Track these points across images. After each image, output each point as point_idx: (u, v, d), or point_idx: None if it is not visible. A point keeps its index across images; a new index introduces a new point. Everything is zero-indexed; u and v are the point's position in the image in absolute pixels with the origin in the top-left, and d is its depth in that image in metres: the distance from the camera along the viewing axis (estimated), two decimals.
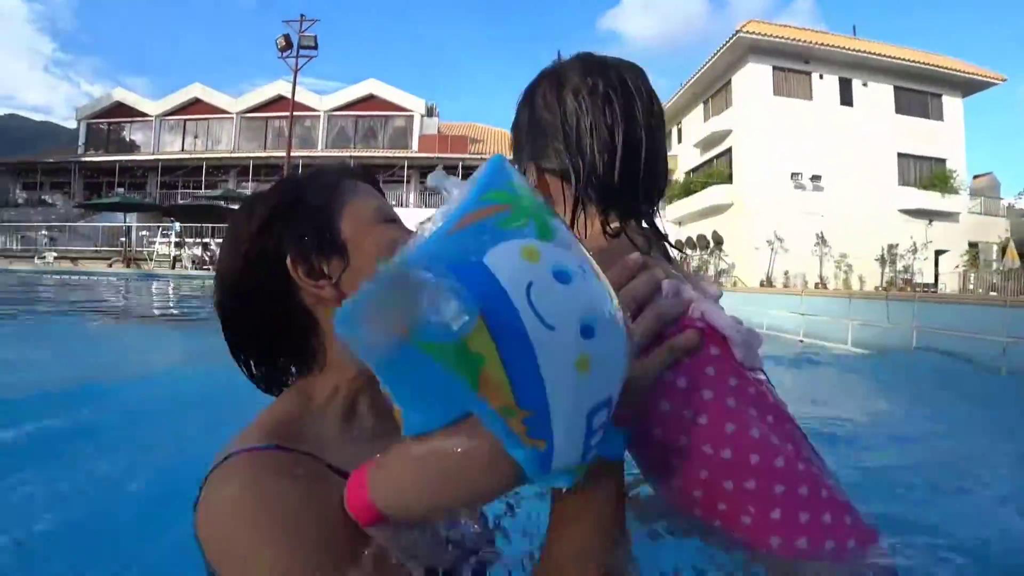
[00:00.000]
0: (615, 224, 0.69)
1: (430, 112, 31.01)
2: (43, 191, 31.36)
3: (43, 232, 24.40)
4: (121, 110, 31.99)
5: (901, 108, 20.62)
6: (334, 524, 0.51)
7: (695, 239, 21.30)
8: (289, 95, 30.10)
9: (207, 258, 21.18)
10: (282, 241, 0.67)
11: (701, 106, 23.56)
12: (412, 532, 0.52)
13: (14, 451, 1.21)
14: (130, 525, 0.93)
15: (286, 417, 0.66)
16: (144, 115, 31.68)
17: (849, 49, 19.89)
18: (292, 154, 28.74)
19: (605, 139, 0.68)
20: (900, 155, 20.38)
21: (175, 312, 6.49)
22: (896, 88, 20.58)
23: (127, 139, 32.27)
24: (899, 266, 18.11)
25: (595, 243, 0.68)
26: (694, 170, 24.23)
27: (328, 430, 0.67)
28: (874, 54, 19.92)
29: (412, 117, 30.25)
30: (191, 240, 22.50)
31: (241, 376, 0.73)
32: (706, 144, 22.74)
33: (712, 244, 20.31)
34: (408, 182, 28.88)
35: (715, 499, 0.60)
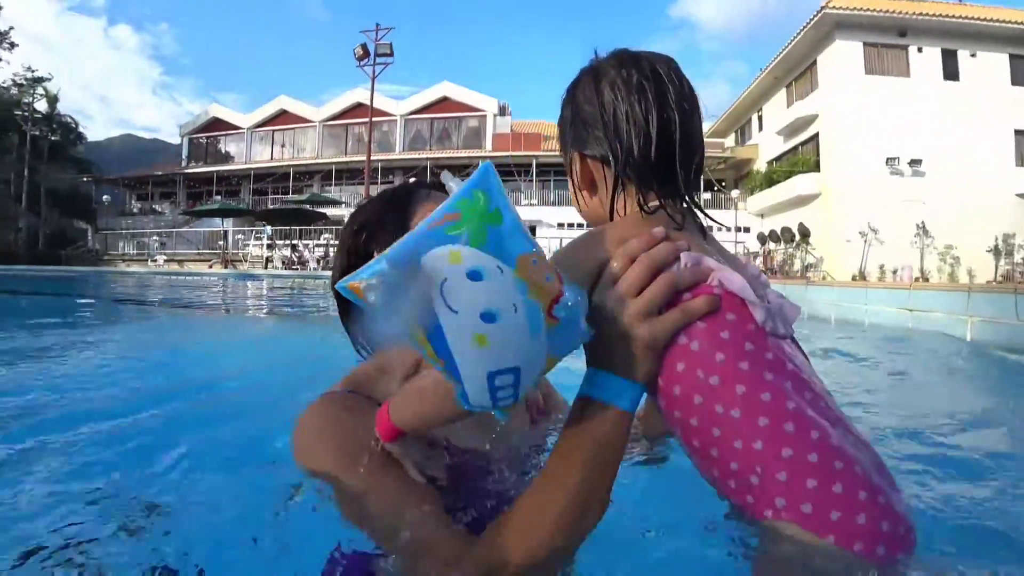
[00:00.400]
0: (653, 203, 0.74)
1: (503, 111, 31.28)
2: (153, 201, 34.41)
3: (154, 238, 26.73)
4: (217, 125, 34.62)
5: (1019, 79, 18.59)
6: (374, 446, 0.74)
7: (779, 232, 20.20)
8: (367, 102, 31.43)
9: (295, 258, 22.46)
10: (371, 239, 0.89)
11: (784, 91, 22.30)
12: (419, 448, 0.76)
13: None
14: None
15: (364, 373, 0.92)
16: (237, 128, 34.08)
17: (953, 16, 18.12)
18: (372, 158, 29.96)
19: (640, 124, 0.74)
20: (1018, 132, 18.40)
21: (287, 308, 7.06)
22: (1012, 56, 18.56)
23: (223, 151, 34.79)
24: (1017, 258, 16.36)
25: (632, 220, 0.75)
26: (777, 159, 23.02)
27: (393, 385, 0.88)
28: (985, 20, 18.04)
29: (485, 117, 30.65)
30: (281, 242, 23.92)
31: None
32: (790, 131, 21.54)
33: (798, 237, 19.20)
34: None
35: (727, 458, 0.64)
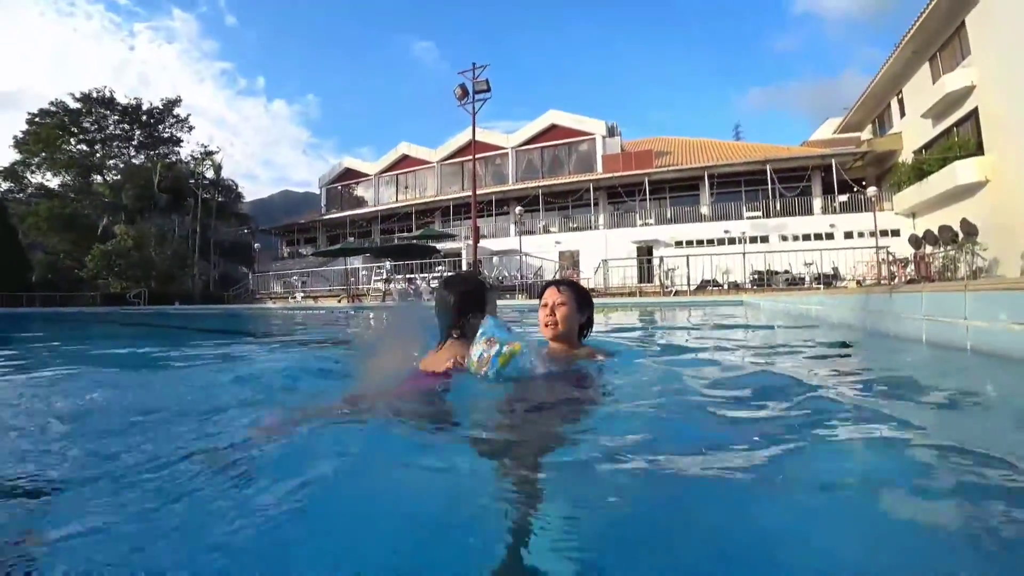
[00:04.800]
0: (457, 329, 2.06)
1: (611, 132, 30.68)
2: (299, 246, 38.55)
3: (294, 277, 29.69)
4: (349, 174, 38.17)
5: None
6: None
7: (936, 232, 17.00)
8: (480, 139, 32.48)
9: (411, 291, 23.45)
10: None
11: (926, 65, 19.09)
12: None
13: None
14: None
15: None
16: (366, 175, 37.25)
17: None
18: (488, 190, 30.83)
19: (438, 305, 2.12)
20: None
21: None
22: None
23: (355, 196, 38.09)
24: None
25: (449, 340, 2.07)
26: (927, 146, 19.65)
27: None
28: None
29: (594, 140, 30.28)
30: (398, 276, 25.24)
31: None
32: (939, 111, 18.28)
33: (961, 236, 15.97)
34: (596, 204, 28.74)
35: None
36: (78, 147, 34.32)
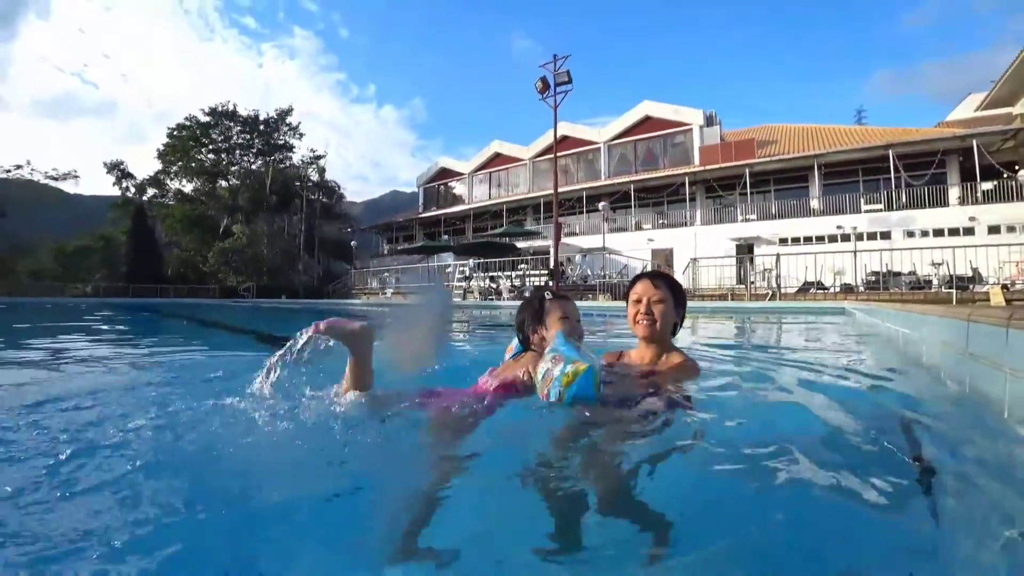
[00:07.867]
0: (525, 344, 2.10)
1: (710, 121, 28.54)
2: (398, 243, 40.12)
3: (386, 274, 30.82)
4: (445, 173, 39.05)
5: None
6: None
7: None
8: (570, 134, 31.84)
9: (492, 289, 23.36)
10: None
11: None
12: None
13: None
14: None
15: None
16: (460, 174, 37.88)
17: None
18: (578, 186, 30.06)
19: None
20: None
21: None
22: None
23: (450, 195, 38.91)
24: None
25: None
26: None
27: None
28: None
29: (691, 130, 28.38)
30: (480, 274, 25.26)
31: None
32: None
33: None
34: (692, 199, 26.93)
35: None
36: (208, 156, 38.22)
